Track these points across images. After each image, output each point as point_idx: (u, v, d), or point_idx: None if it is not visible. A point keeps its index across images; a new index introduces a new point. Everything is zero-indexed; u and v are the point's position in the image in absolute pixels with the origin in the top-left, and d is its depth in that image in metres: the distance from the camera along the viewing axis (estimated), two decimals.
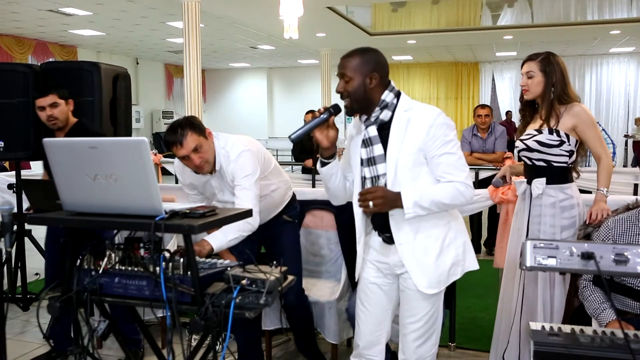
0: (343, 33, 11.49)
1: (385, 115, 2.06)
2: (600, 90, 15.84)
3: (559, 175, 2.73)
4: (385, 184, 2.07)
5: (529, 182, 2.79)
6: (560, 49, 13.71)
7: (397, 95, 2.09)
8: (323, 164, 2.18)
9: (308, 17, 7.99)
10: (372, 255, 2.23)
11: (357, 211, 2.18)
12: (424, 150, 2.04)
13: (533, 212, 2.77)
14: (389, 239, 2.16)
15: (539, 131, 2.73)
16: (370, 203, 1.98)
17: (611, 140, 5.70)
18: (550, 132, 2.70)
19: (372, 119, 2.07)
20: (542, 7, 10.33)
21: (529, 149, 2.76)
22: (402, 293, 2.20)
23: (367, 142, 2.08)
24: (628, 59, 15.59)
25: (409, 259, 2.10)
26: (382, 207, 2.02)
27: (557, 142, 2.69)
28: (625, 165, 13.92)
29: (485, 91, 16.93)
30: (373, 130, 2.07)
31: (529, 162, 2.80)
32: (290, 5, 6.99)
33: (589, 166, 4.86)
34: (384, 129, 2.08)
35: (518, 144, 2.83)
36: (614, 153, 5.68)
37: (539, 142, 2.71)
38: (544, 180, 2.72)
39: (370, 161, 2.08)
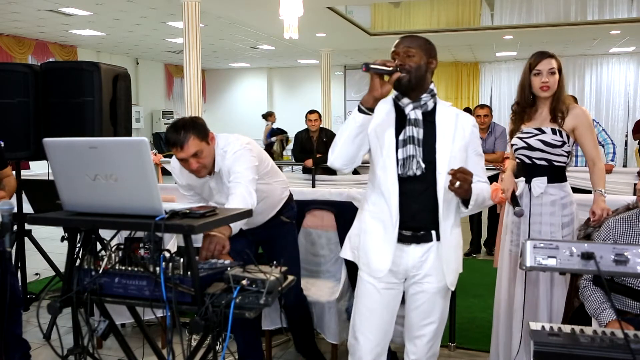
0: (343, 33, 11.48)
1: (431, 104, 2.10)
2: (600, 90, 15.82)
3: (558, 174, 2.74)
4: (419, 164, 2.02)
5: (528, 181, 2.76)
6: (560, 49, 13.71)
7: None
8: (362, 111, 1.96)
9: (308, 17, 7.99)
10: None
11: (393, 202, 2.04)
12: (468, 147, 2.10)
13: (533, 211, 2.75)
14: (410, 239, 2.07)
15: (541, 130, 2.72)
16: (457, 183, 1.91)
17: (611, 140, 5.67)
18: (554, 132, 2.69)
19: (422, 103, 2.08)
20: (542, 7, 10.33)
21: (530, 147, 2.73)
22: (415, 297, 2.13)
23: (412, 122, 2.05)
24: (628, 59, 15.57)
25: (447, 255, 2.06)
26: (463, 193, 1.97)
27: (560, 143, 2.69)
28: (625, 166, 13.94)
29: (485, 91, 16.92)
30: (419, 114, 2.07)
31: (527, 161, 2.77)
32: (290, 5, 6.99)
33: (576, 166, 4.87)
34: (425, 117, 2.08)
35: (516, 141, 2.79)
36: (614, 153, 5.65)
37: (543, 142, 2.70)
38: (545, 179, 2.71)
39: (407, 141, 2.04)
